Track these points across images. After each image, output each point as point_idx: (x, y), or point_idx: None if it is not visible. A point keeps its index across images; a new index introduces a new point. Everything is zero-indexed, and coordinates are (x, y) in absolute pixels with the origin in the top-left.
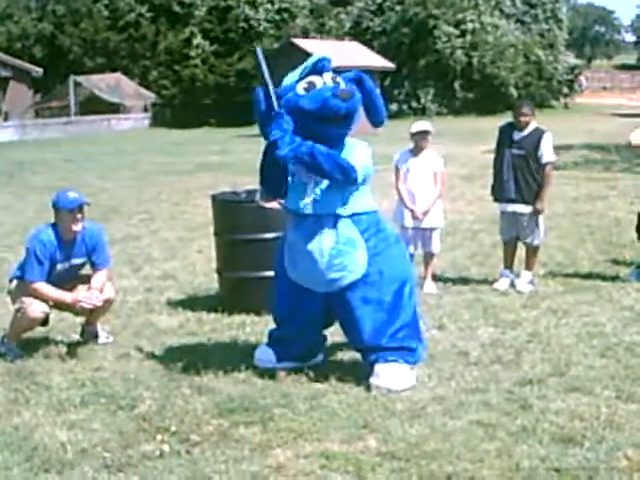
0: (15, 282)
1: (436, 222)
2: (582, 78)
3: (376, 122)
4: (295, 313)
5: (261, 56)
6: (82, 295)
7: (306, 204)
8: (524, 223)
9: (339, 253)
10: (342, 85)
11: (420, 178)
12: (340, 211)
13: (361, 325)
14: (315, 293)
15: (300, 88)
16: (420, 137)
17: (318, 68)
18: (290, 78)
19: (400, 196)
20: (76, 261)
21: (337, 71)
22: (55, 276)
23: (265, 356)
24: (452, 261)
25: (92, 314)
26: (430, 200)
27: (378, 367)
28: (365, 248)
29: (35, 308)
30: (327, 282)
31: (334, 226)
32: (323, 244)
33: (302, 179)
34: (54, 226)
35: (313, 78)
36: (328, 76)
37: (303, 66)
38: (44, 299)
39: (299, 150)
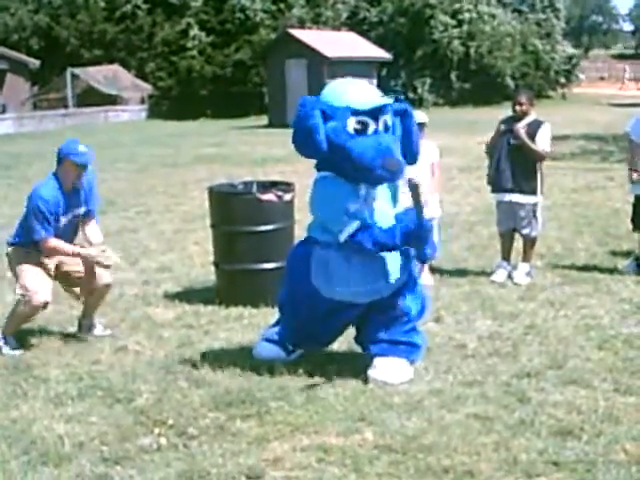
0: (12, 248)
1: (434, 213)
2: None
3: (408, 161)
4: (319, 327)
5: None
6: (95, 252)
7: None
8: (522, 214)
9: (382, 261)
10: (390, 139)
11: (418, 169)
12: (381, 224)
13: (380, 325)
14: (350, 306)
15: (351, 126)
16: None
17: (377, 113)
18: (340, 96)
19: None
20: (78, 211)
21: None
22: (60, 230)
23: (270, 353)
24: (449, 253)
25: (90, 301)
26: (429, 191)
27: (377, 360)
28: (401, 256)
29: (40, 297)
30: (372, 292)
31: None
32: (370, 255)
33: (362, 213)
34: (56, 177)
35: (368, 120)
36: (382, 122)
37: (363, 99)
38: (60, 254)
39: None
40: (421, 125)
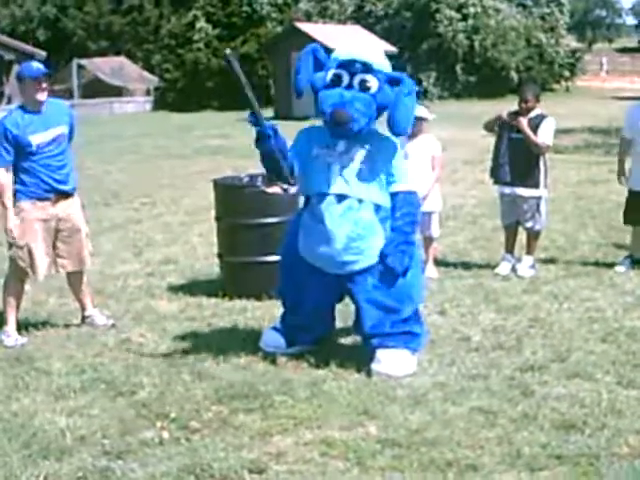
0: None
1: (434, 206)
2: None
3: (394, 132)
4: (304, 298)
5: (235, 63)
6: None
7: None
8: (525, 208)
9: (358, 237)
10: (357, 97)
11: (418, 163)
12: (364, 195)
13: (369, 311)
14: (326, 277)
15: (329, 77)
16: (415, 123)
17: (352, 68)
18: (342, 50)
19: None
20: (57, 130)
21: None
22: (43, 154)
23: (273, 341)
24: (453, 245)
25: (70, 287)
26: (428, 184)
27: (380, 353)
28: (383, 235)
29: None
30: (341, 264)
31: (356, 209)
32: (343, 225)
33: (327, 159)
34: (20, 106)
35: (342, 73)
36: (358, 79)
37: (352, 53)
38: None
39: None
40: (420, 119)
